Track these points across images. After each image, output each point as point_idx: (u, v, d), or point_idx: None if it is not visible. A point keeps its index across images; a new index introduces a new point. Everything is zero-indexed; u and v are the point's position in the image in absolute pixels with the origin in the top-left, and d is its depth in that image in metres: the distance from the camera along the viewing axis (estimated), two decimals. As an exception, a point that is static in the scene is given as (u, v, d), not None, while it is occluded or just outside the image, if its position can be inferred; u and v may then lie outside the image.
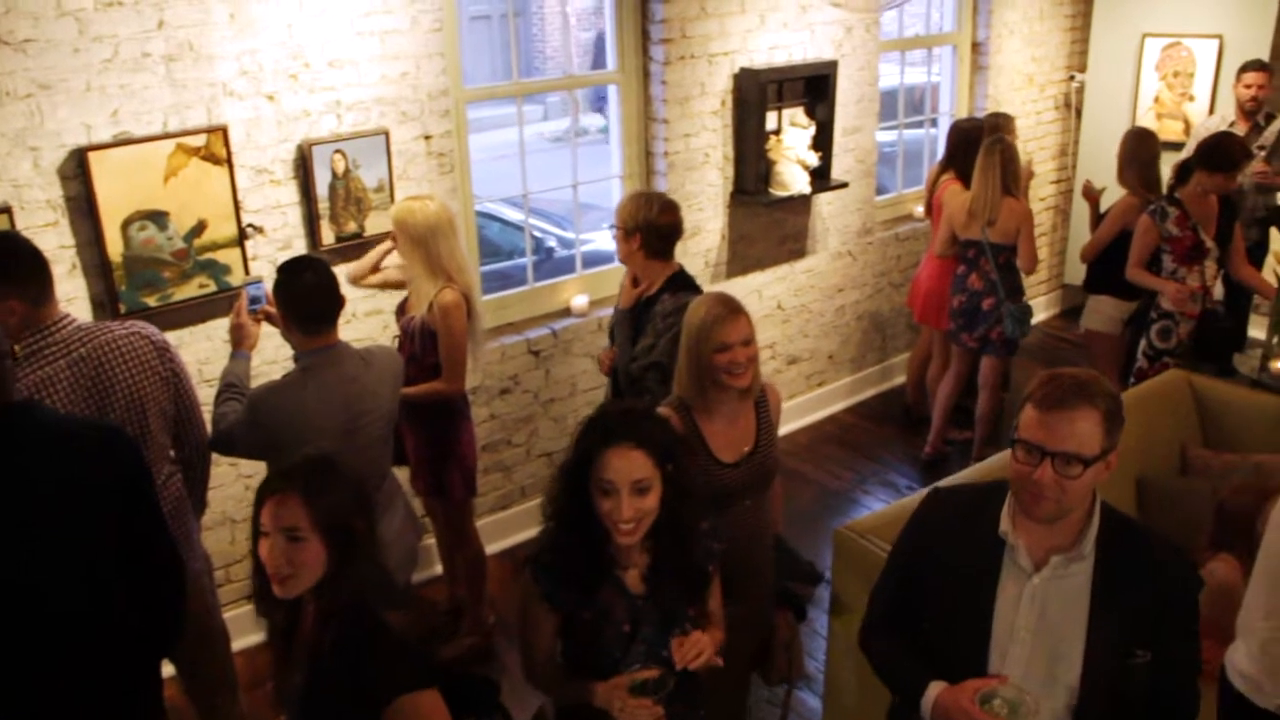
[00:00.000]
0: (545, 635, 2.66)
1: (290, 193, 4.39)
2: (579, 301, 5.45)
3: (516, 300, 5.43)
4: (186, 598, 2.87)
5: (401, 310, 4.28)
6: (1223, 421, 4.65)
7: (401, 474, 4.34)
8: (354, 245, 4.55)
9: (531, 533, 5.47)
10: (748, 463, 3.27)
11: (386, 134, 4.52)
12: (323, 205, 4.43)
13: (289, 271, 3.35)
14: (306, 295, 3.32)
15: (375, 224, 4.54)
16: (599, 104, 11.07)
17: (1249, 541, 3.77)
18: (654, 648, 2.62)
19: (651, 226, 4.02)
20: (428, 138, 4.69)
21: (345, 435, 3.35)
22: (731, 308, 3.17)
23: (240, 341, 3.61)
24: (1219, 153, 5.12)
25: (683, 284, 4.07)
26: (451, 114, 4.78)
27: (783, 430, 6.44)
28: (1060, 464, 2.18)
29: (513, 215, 8.32)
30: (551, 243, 8.56)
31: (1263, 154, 6.27)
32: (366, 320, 4.69)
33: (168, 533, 2.81)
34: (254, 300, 3.65)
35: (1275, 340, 5.02)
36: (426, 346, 4.09)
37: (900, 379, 6.96)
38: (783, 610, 3.48)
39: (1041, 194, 7.93)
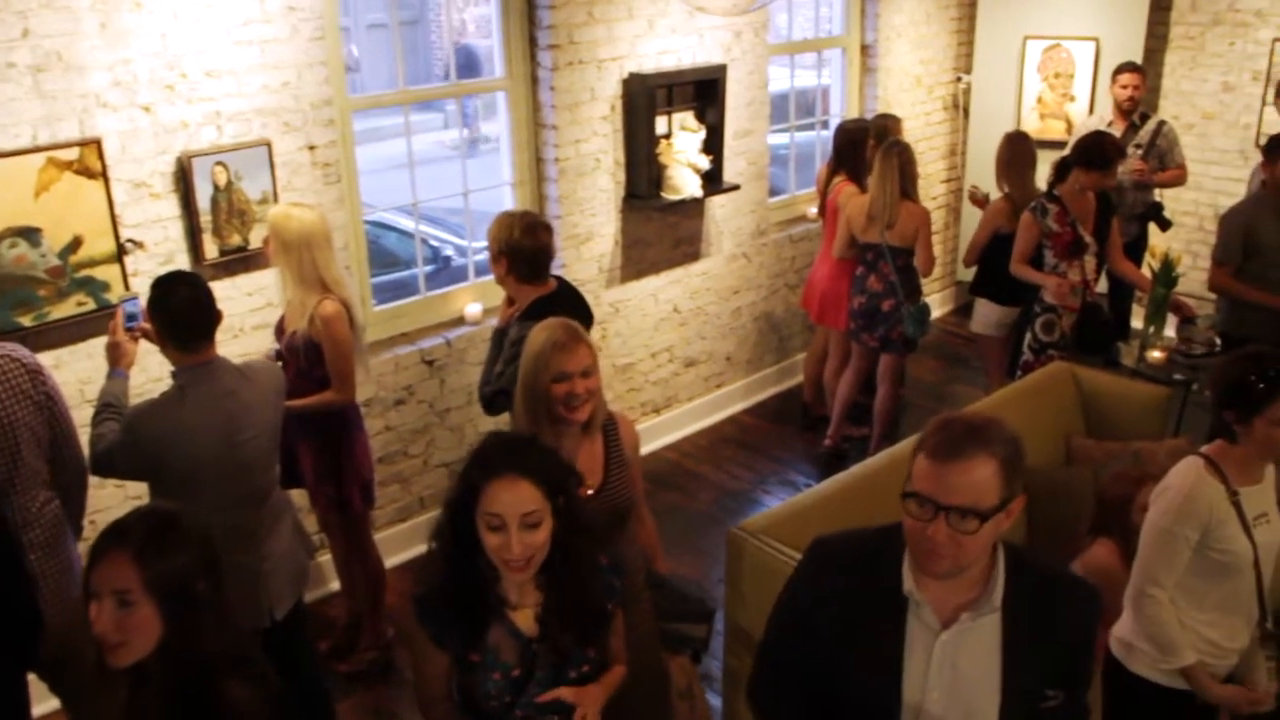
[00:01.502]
0: (436, 675, 2.50)
1: (171, 206, 4.29)
2: (472, 310, 5.41)
3: (409, 310, 5.38)
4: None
5: (280, 328, 4.20)
6: (1105, 411, 4.78)
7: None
8: (239, 258, 4.47)
9: (420, 548, 5.42)
10: (594, 501, 3.07)
11: (269, 145, 4.45)
12: (205, 219, 4.34)
13: (163, 288, 3.28)
14: (181, 311, 3.25)
15: (260, 237, 4.45)
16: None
17: (1126, 526, 3.88)
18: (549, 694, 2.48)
19: (516, 250, 4.01)
20: (312, 148, 4.63)
21: (227, 452, 3.29)
22: (572, 335, 3.05)
23: (117, 360, 3.52)
24: (1094, 151, 5.27)
25: (543, 309, 3.97)
26: (336, 123, 4.72)
27: (683, 433, 6.51)
28: (955, 518, 2.00)
29: (409, 224, 8.24)
30: (449, 251, 8.50)
31: (1139, 152, 6.46)
32: (254, 335, 4.60)
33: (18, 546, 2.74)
34: (130, 317, 3.57)
35: (1152, 331, 5.17)
36: (313, 360, 4.04)
37: (798, 379, 7.03)
38: (675, 656, 3.22)
39: (933, 193, 8.07)
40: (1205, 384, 4.78)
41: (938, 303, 8.42)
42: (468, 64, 15.03)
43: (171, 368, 3.40)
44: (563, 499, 2.41)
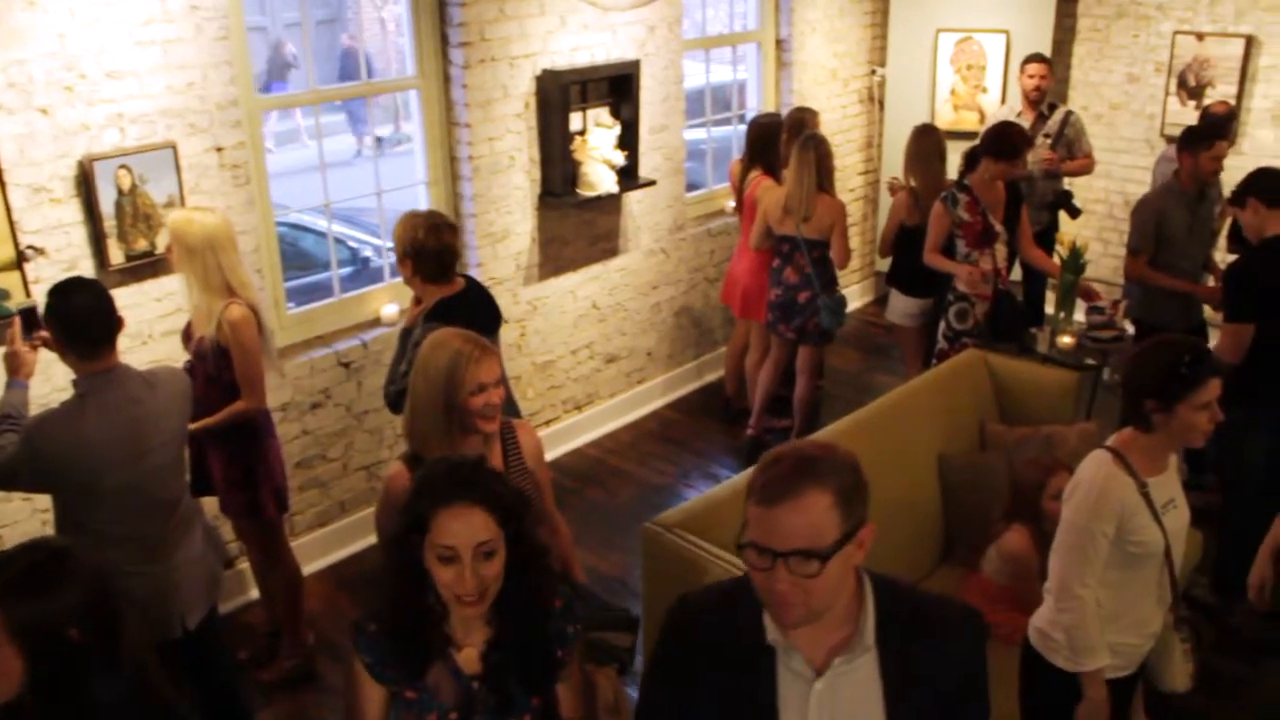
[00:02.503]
0: (368, 708, 2.35)
1: (73, 211, 4.19)
2: (389, 311, 5.36)
3: (324, 312, 5.31)
4: None
5: (188, 334, 4.13)
6: (1017, 396, 4.87)
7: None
8: (146, 264, 4.38)
9: (353, 549, 5.39)
10: None
11: (174, 147, 4.36)
12: (109, 223, 4.24)
13: (60, 294, 3.21)
14: (80, 318, 3.18)
15: (167, 241, 4.38)
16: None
17: (1038, 512, 3.96)
18: None
19: (421, 250, 3.99)
20: (220, 149, 4.55)
21: (132, 461, 3.23)
22: (482, 345, 2.97)
23: (16, 370, 3.44)
24: (1001, 141, 5.35)
25: (450, 309, 3.99)
26: (244, 124, 4.64)
27: (605, 429, 6.51)
28: (795, 563, 1.85)
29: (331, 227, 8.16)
30: (368, 252, 8.42)
31: (1048, 141, 6.58)
32: (164, 341, 4.52)
33: None
34: (28, 326, 3.48)
35: (1062, 316, 5.26)
36: (222, 365, 3.97)
37: (719, 373, 7.06)
38: (601, 668, 3.12)
39: (850, 185, 8.15)
40: (1116, 371, 4.89)
41: (857, 293, 8.51)
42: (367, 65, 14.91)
43: (72, 376, 3.33)
44: (514, 526, 2.26)
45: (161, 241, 4.34)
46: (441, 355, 2.93)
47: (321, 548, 5.31)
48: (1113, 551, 2.97)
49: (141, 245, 4.35)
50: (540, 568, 2.36)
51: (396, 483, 2.94)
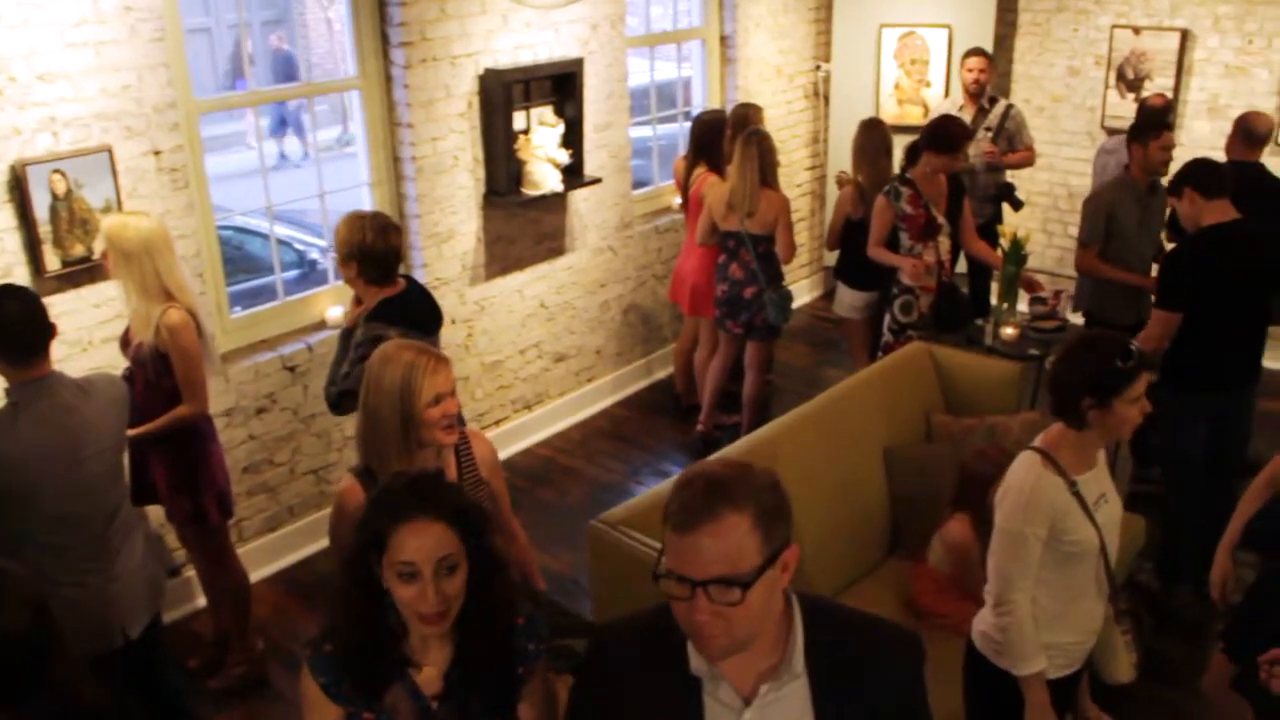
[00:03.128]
0: None
1: (6, 217, 4.13)
2: (334, 313, 5.32)
3: (269, 316, 5.27)
4: None
5: (126, 340, 4.08)
6: (962, 387, 4.92)
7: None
8: (84, 269, 4.32)
9: (303, 553, 5.35)
10: None
11: (110, 151, 4.31)
12: (44, 229, 4.18)
13: (-10, 303, 3.15)
14: (12, 326, 3.12)
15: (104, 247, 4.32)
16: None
17: (982, 504, 3.98)
18: None
19: (369, 252, 3.96)
20: (157, 153, 4.50)
21: (68, 470, 3.18)
22: (436, 355, 2.91)
23: (-51, 379, 3.38)
24: (941, 134, 5.40)
25: (391, 310, 3.98)
26: (182, 127, 4.59)
27: (555, 428, 6.50)
28: (716, 592, 1.75)
29: (277, 230, 8.09)
30: (315, 255, 8.37)
31: (989, 134, 6.65)
32: (104, 348, 4.46)
33: None
34: None
35: (1005, 308, 5.32)
36: (162, 371, 3.92)
37: (668, 370, 7.08)
38: (561, 675, 3.03)
39: (797, 181, 8.19)
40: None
41: (806, 288, 8.56)
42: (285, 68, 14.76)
43: (5, 384, 3.28)
44: (475, 540, 2.19)
45: (99, 247, 4.28)
46: (394, 368, 2.84)
47: (270, 553, 5.27)
48: (1048, 552, 2.95)
49: (79, 251, 4.29)
50: (502, 582, 2.29)
51: (348, 498, 2.90)
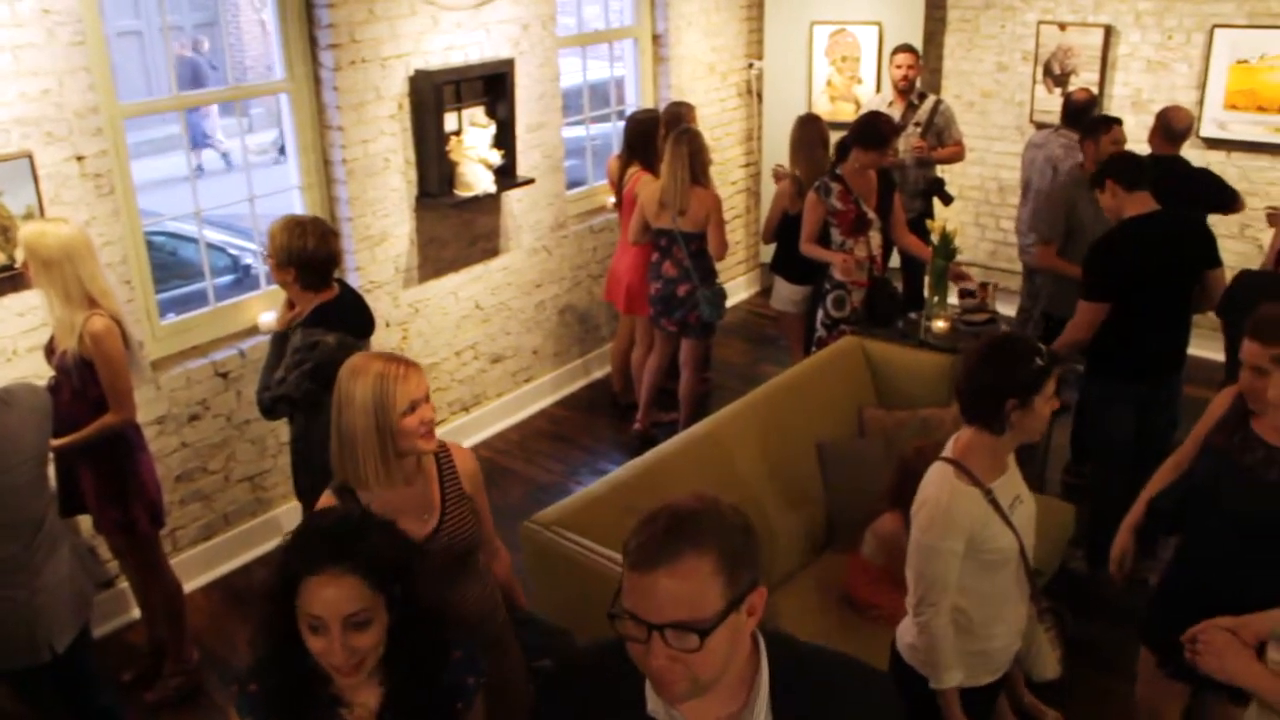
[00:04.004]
0: None
1: (-76, 226, 4.06)
2: (266, 318, 5.26)
3: (199, 322, 5.21)
4: None
5: (50, 348, 4.02)
6: (894, 381, 4.97)
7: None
8: (6, 278, 4.25)
9: (239, 561, 5.30)
10: (432, 542, 2.85)
11: (30, 156, 4.23)
12: (-36, 237, 4.12)
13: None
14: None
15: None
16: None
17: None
18: None
19: (307, 259, 3.92)
20: (80, 158, 4.43)
21: (-10, 481, 3.14)
22: (405, 362, 2.82)
23: None
24: (869, 130, 5.45)
25: (326, 316, 3.95)
26: (106, 132, 4.52)
27: (493, 430, 6.48)
28: (673, 637, 1.65)
29: (209, 234, 8.00)
30: (250, 259, 8.27)
31: (918, 130, 6.72)
32: (29, 357, 4.38)
33: None
34: None
35: (935, 301, 5.38)
36: (87, 379, 3.86)
37: (606, 369, 7.09)
38: None
39: (731, 178, 8.24)
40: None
41: (743, 285, 8.60)
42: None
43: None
44: (400, 586, 2.10)
45: (21, 255, 4.21)
46: (364, 381, 2.75)
47: (206, 561, 5.21)
48: (970, 563, 2.91)
49: (0, 259, 4.22)
50: (430, 626, 2.19)
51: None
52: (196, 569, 5.15)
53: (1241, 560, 3.02)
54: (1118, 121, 5.75)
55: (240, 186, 5.44)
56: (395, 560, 2.11)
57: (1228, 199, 5.91)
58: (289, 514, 5.33)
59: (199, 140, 14.49)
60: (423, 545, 2.74)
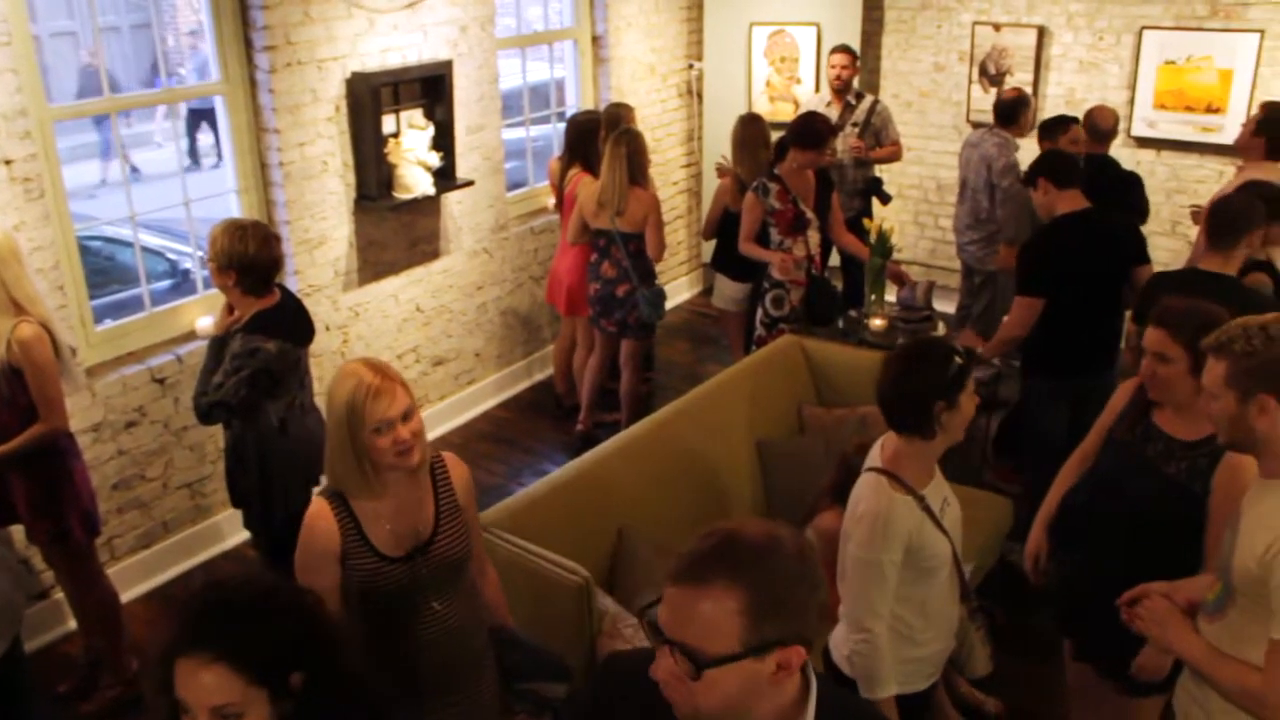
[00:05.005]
0: None
1: None
2: (204, 323, 5.20)
3: (135, 327, 5.14)
4: None
5: None
6: (833, 379, 5.02)
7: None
8: (-67, 284, 4.18)
9: (179, 569, 5.25)
10: (424, 556, 2.79)
11: (-44, 161, 4.18)
12: (-112, 244, 4.03)
13: None
14: None
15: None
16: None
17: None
18: None
19: (249, 263, 3.88)
20: (8, 162, 4.36)
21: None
22: (386, 376, 2.69)
23: None
24: (806, 131, 5.50)
25: (267, 322, 3.92)
26: (34, 135, 4.46)
27: (436, 433, 6.46)
28: (678, 656, 1.60)
29: (147, 239, 7.91)
30: (188, 264, 8.17)
31: (856, 130, 6.79)
32: (-43, 365, 4.31)
33: None
34: None
35: (873, 299, 5.43)
36: (16, 387, 3.80)
37: (549, 370, 7.08)
38: None
39: (673, 178, 8.26)
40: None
41: (685, 284, 8.64)
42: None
43: None
44: (299, 674, 1.89)
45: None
46: (342, 389, 2.67)
47: (145, 570, 5.15)
48: (907, 570, 2.90)
49: (-74, 266, 4.15)
50: (348, 712, 1.98)
51: (315, 524, 2.76)
52: (135, 578, 5.09)
53: (1142, 552, 3.07)
54: (1075, 121, 5.85)
55: (176, 190, 5.37)
56: (285, 649, 1.88)
57: (1145, 209, 6.10)
58: (230, 520, 5.28)
59: (132, 145, 14.30)
60: (410, 558, 2.74)
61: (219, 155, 12.18)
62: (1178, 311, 3.08)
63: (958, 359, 2.86)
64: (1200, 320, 2.93)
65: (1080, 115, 6.30)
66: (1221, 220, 4.12)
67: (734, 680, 1.59)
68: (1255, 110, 5.44)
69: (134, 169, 12.55)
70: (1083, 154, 5.84)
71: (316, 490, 2.87)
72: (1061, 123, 5.79)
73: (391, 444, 2.65)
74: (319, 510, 2.76)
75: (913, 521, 2.88)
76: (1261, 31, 6.69)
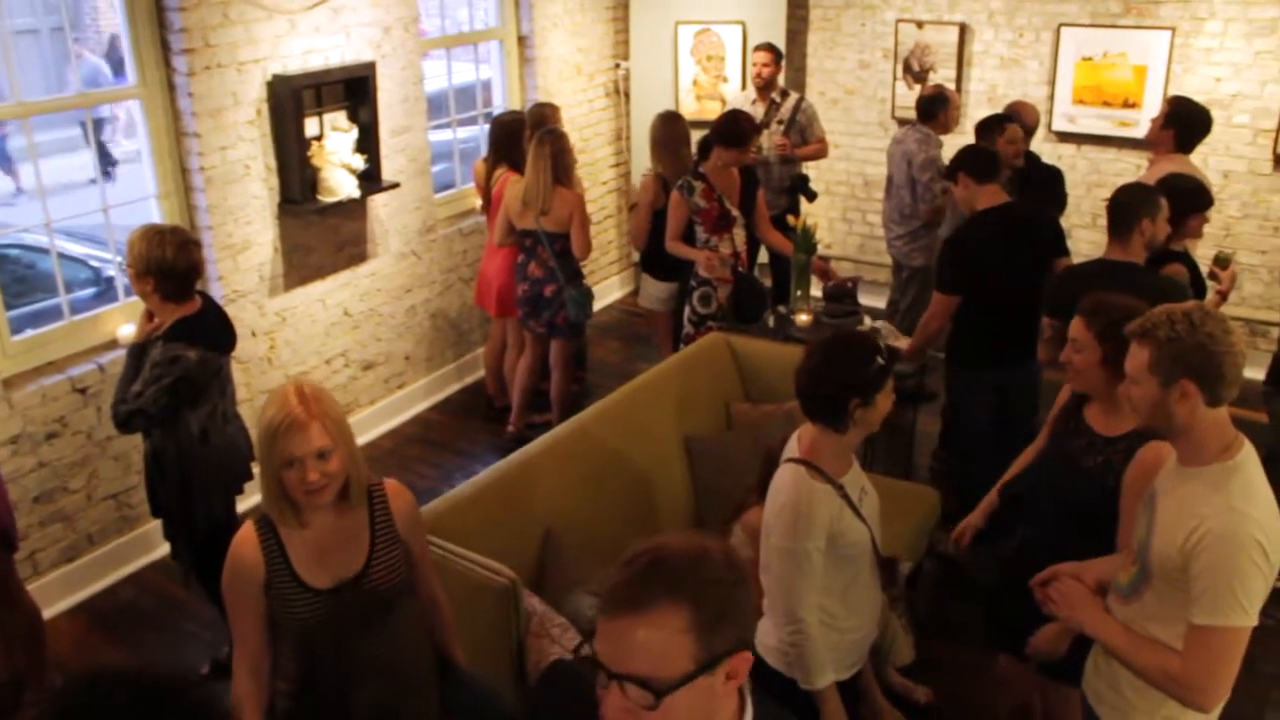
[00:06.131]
0: None
1: None
2: (125, 331, 5.12)
3: (53, 337, 5.04)
4: None
5: None
6: (760, 375, 5.04)
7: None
8: None
9: (106, 582, 5.17)
10: (353, 589, 2.69)
11: None
12: None
13: None
14: None
15: None
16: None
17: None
18: None
19: (166, 269, 3.84)
20: (-83, 171, 4.27)
21: None
22: (311, 409, 2.55)
23: None
24: (729, 129, 5.53)
25: (188, 329, 3.88)
26: (-56, 143, 4.37)
27: (367, 437, 6.42)
28: (631, 691, 1.54)
29: (69, 246, 7.77)
30: (113, 271, 8.04)
31: (781, 128, 6.84)
32: None
33: None
34: None
35: (799, 295, 5.48)
36: (-72, 400, 3.74)
37: (480, 372, 7.06)
38: None
39: (602, 178, 8.27)
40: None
41: (617, 284, 8.65)
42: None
43: None
44: None
45: None
46: (267, 413, 2.56)
47: (70, 584, 5.06)
48: (828, 559, 2.94)
49: None
50: None
51: (239, 551, 2.68)
52: (59, 592, 5.00)
53: (1067, 544, 3.14)
54: (1009, 119, 5.92)
55: (108, 195, 5.28)
56: None
57: (1064, 202, 6.22)
58: (157, 531, 5.20)
59: (53, 152, 14.01)
60: (337, 590, 2.65)
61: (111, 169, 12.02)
62: (1095, 302, 3.16)
63: (879, 359, 2.90)
64: (1116, 314, 3.00)
65: (1002, 111, 6.41)
66: (1113, 211, 4.23)
67: (690, 700, 1.55)
68: (1163, 104, 5.56)
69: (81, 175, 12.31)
70: (1022, 152, 5.95)
71: (249, 512, 2.78)
72: (998, 122, 5.84)
73: (299, 481, 2.55)
74: (244, 537, 2.68)
75: (832, 509, 2.92)
76: (1173, 29, 6.85)
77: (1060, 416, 3.38)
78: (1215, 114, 5.62)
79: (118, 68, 16.92)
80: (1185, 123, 5.28)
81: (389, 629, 2.76)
